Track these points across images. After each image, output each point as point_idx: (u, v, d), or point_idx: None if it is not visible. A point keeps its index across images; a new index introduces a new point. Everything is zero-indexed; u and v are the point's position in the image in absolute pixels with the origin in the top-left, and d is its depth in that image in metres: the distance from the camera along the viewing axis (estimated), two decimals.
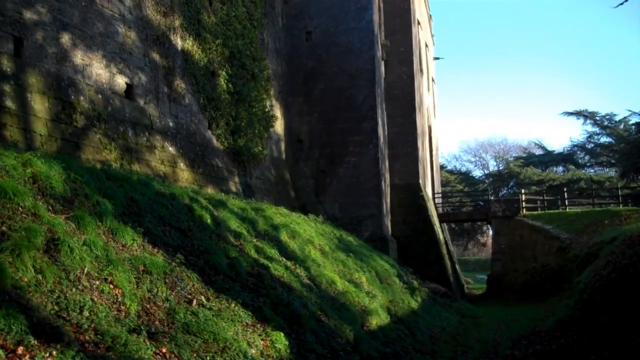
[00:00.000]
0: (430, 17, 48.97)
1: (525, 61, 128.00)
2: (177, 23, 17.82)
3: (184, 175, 16.90)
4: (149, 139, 15.76)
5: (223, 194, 17.05)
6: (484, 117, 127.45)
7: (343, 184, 26.09)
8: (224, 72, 20.10)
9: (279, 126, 25.14)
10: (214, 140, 19.38)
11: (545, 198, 37.54)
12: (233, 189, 19.56)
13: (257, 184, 21.92)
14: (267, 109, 23.17)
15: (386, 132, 29.54)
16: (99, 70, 14.32)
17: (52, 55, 12.86)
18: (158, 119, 16.46)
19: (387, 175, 28.89)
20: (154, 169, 15.32)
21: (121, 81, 15.16)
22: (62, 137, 12.56)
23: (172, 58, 17.43)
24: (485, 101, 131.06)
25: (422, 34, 39.87)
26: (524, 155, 73.16)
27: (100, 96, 14.17)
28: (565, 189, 40.29)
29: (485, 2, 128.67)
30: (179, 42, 17.87)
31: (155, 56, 16.71)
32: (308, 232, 16.87)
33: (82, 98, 13.49)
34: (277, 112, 25.00)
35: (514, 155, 78.48)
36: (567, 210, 33.68)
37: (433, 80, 48.74)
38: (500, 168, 74.52)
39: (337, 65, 26.72)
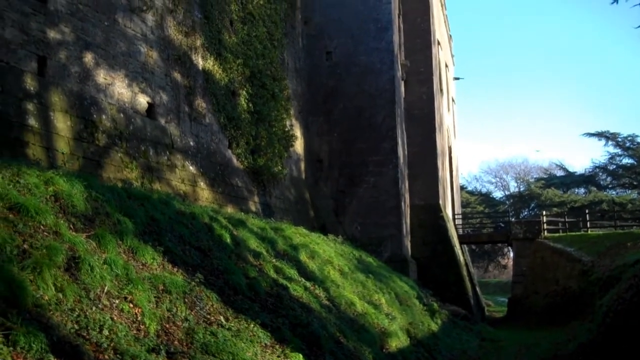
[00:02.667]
0: (450, 37, 48.98)
1: (546, 81, 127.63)
2: (198, 43, 17.95)
3: (204, 194, 16.92)
4: (170, 158, 15.82)
5: (243, 213, 17.04)
6: (504, 137, 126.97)
7: (362, 204, 26.01)
8: (244, 92, 20.19)
9: (298, 146, 25.16)
10: (234, 160, 19.42)
11: (567, 220, 37.15)
12: (253, 208, 19.56)
13: (277, 203, 21.91)
14: (287, 129, 23.22)
15: (406, 152, 29.46)
16: (121, 90, 14.43)
17: (75, 74, 12.98)
18: (179, 138, 16.53)
19: (407, 196, 28.76)
20: (174, 188, 15.36)
21: (143, 100, 15.26)
22: (84, 155, 12.63)
23: (193, 77, 17.54)
24: (505, 122, 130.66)
25: (442, 54, 39.86)
26: (545, 177, 72.57)
27: (122, 115, 14.27)
28: (587, 211, 39.84)
29: (505, 23, 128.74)
30: (200, 62, 17.99)
31: (177, 76, 16.82)
32: (327, 253, 16.80)
33: (104, 117, 13.59)
34: (297, 131, 25.03)
35: (534, 176, 77.84)
36: (589, 232, 33.27)
37: (453, 100, 48.66)
38: (521, 189, 73.96)
39: (356, 85, 26.75)
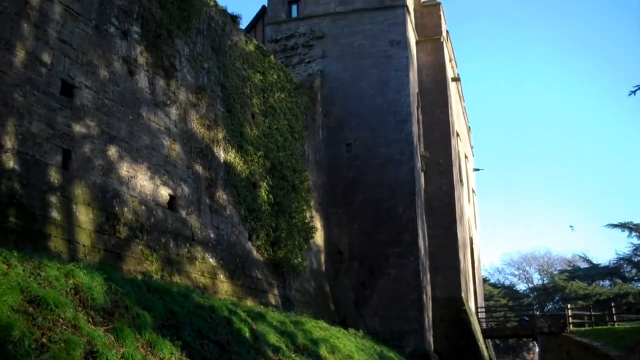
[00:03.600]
0: (469, 128, 49.48)
1: (568, 172, 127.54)
2: (220, 136, 18.24)
3: (224, 287, 16.77)
4: (190, 250, 15.79)
5: (262, 306, 16.81)
6: (526, 229, 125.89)
7: (383, 296, 25.61)
8: (265, 184, 20.33)
9: (318, 237, 25.07)
10: (254, 252, 19.35)
11: (593, 313, 36.18)
12: (272, 301, 19.31)
13: (297, 296, 21.64)
14: (307, 220, 23.21)
15: (427, 244, 29.21)
16: (143, 182, 14.58)
17: (98, 167, 13.16)
18: (199, 230, 16.55)
19: (429, 288, 28.32)
20: (194, 281, 15.25)
21: (165, 192, 15.38)
22: (105, 248, 12.64)
23: (214, 170, 17.72)
24: (527, 213, 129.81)
25: (462, 145, 40.16)
26: (568, 269, 71.35)
27: (143, 207, 14.36)
28: (612, 304, 38.87)
29: (524, 113, 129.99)
30: (221, 154, 18.22)
31: (199, 168, 17.01)
32: (348, 347, 16.43)
33: (126, 209, 13.68)
34: (317, 223, 25.00)
35: (558, 268, 76.52)
36: (616, 326, 32.32)
37: (473, 191, 48.65)
38: (545, 282, 72.66)
39: (376, 177, 26.86)
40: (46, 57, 12.14)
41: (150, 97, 15.33)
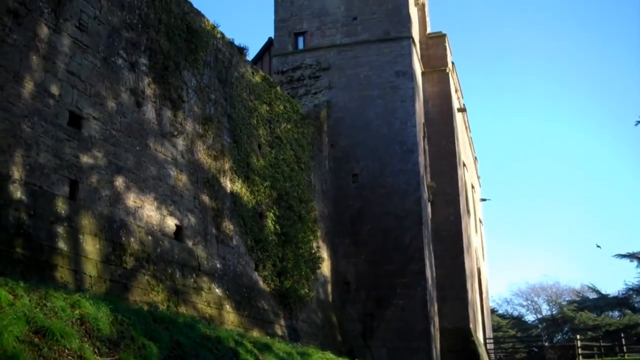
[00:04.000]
0: (475, 159, 49.50)
1: (575, 202, 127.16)
2: (227, 166, 18.30)
3: (230, 317, 16.69)
4: (196, 280, 15.75)
5: (269, 337, 16.70)
6: (534, 259, 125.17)
7: (391, 327, 25.40)
8: (271, 214, 20.33)
9: (325, 267, 24.97)
10: (261, 282, 19.28)
11: (602, 344, 35.91)
12: (279, 332, 19.19)
13: (303, 327, 21.50)
14: (313, 251, 23.15)
15: (434, 274, 29.04)
16: (150, 212, 14.61)
17: (105, 197, 13.21)
18: (206, 260, 16.53)
19: (436, 319, 28.10)
20: (200, 311, 15.18)
21: (171, 223, 15.40)
22: (111, 278, 12.63)
23: (221, 200, 17.75)
24: (534, 243, 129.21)
25: (468, 176, 40.14)
26: (577, 299, 70.70)
27: (150, 238, 14.36)
28: (622, 335, 38.56)
29: (530, 143, 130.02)
30: (228, 185, 18.26)
31: (205, 198, 17.04)
32: None
33: (132, 239, 13.69)
34: (324, 253, 24.92)
35: (567, 299, 75.79)
36: (626, 356, 32.10)
37: (480, 221, 48.50)
38: (554, 312, 71.97)
39: (383, 207, 26.83)
40: (54, 89, 12.26)
41: (157, 128, 15.43)
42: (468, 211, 37.63)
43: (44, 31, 12.16)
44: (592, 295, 69.82)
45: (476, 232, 43.10)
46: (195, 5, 17.86)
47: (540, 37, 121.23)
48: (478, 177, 51.53)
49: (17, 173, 11.09)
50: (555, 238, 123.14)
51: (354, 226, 26.94)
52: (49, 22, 12.29)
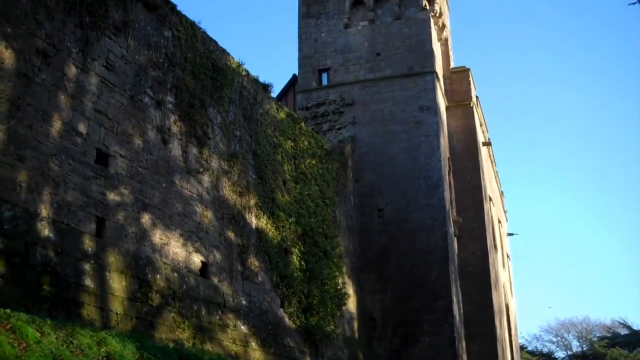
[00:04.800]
0: (501, 193, 49.08)
1: (603, 236, 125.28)
2: (252, 202, 18.33)
3: (256, 354, 16.55)
4: (222, 317, 15.68)
5: None
6: (563, 295, 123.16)
7: None
8: (296, 250, 20.26)
9: (351, 304, 24.74)
10: (286, 319, 19.13)
11: None
12: None
13: None
14: (339, 287, 22.96)
15: (461, 311, 28.65)
16: (176, 249, 14.63)
17: (132, 234, 13.27)
18: (231, 297, 16.47)
19: (465, 357, 27.61)
20: (225, 349, 15.08)
21: (197, 259, 15.40)
22: (137, 315, 12.61)
23: (246, 236, 17.73)
24: (563, 278, 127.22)
25: (495, 210, 39.78)
26: (608, 335, 69.27)
27: (176, 274, 14.36)
28: None
29: (557, 177, 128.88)
30: (253, 221, 18.26)
31: (231, 235, 17.05)
32: None
33: (158, 276, 13.69)
34: (350, 289, 24.71)
35: (597, 335, 74.30)
36: None
37: (508, 256, 47.89)
38: (584, 349, 70.51)
39: (409, 242, 26.61)
40: (82, 127, 12.43)
41: (183, 165, 15.53)
42: (495, 246, 37.19)
43: (72, 71, 12.37)
44: (623, 331, 68.46)
45: (504, 267, 42.54)
46: (221, 44, 18.09)
47: (562, 65, 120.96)
48: (505, 212, 51.03)
49: (44, 211, 11.20)
50: (584, 272, 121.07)
51: (379, 262, 26.72)
52: (77, 62, 12.51)
